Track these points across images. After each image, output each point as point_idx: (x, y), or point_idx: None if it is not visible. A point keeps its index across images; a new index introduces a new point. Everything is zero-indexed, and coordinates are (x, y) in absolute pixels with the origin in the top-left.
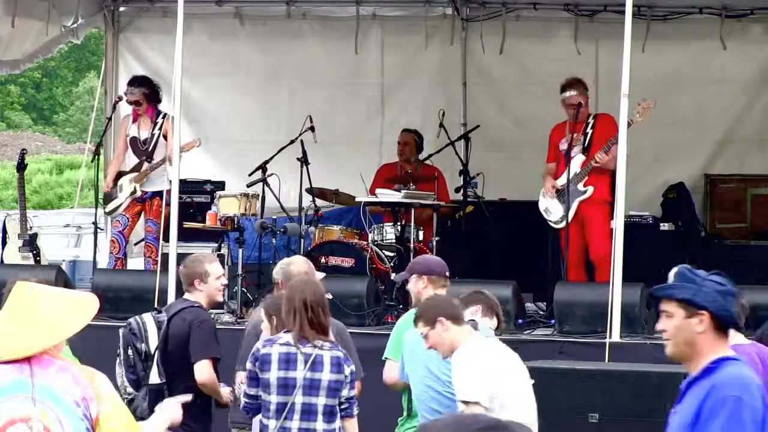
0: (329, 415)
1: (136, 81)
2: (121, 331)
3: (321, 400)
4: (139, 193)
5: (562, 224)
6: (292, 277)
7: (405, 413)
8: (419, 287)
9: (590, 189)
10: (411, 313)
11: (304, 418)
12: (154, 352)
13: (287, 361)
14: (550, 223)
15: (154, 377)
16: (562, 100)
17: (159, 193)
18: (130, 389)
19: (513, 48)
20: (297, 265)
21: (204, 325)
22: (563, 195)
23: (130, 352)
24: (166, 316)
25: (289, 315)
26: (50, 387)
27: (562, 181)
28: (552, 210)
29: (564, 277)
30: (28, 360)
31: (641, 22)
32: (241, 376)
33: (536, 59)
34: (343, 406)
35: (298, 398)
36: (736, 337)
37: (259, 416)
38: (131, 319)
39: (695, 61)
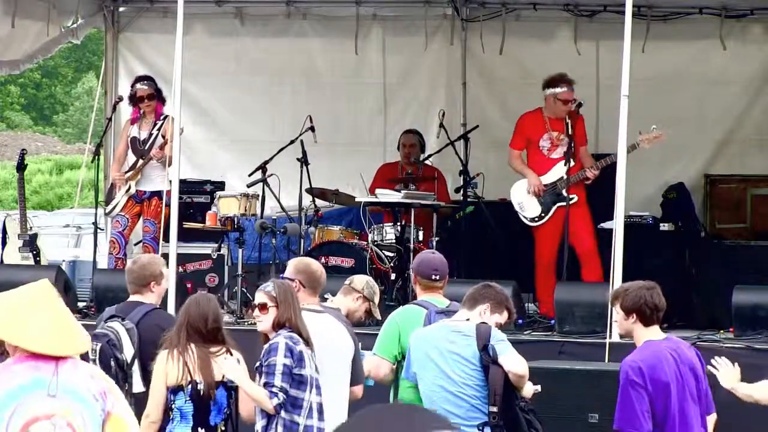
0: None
1: (145, 77)
2: (97, 345)
3: (322, 401)
4: (134, 191)
5: (539, 223)
6: (318, 278)
7: None
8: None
9: (575, 197)
10: (405, 309)
11: (318, 417)
12: (132, 360)
13: (309, 360)
14: (523, 219)
15: (138, 386)
16: (552, 95)
17: (157, 193)
18: None
19: (513, 48)
20: (316, 265)
21: None
22: (545, 194)
23: (112, 363)
24: (130, 323)
25: (296, 316)
26: (70, 383)
27: (549, 179)
28: (527, 207)
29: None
30: (55, 358)
31: (641, 22)
32: None
33: (536, 59)
34: None
35: (315, 397)
36: (649, 331)
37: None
38: (105, 331)
39: (695, 61)
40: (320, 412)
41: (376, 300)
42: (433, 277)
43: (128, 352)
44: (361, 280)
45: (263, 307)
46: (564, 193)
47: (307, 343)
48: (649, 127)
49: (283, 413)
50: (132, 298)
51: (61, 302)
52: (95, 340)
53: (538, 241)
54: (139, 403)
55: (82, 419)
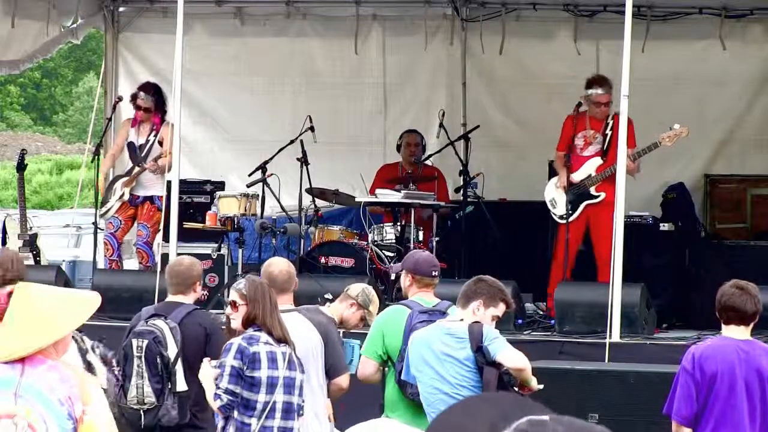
0: (298, 413)
1: (151, 88)
2: (142, 342)
3: (295, 399)
4: (127, 197)
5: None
6: (274, 279)
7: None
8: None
9: (602, 195)
10: (391, 309)
11: (283, 417)
12: (175, 359)
13: (272, 360)
14: (553, 215)
15: (181, 384)
16: (588, 97)
17: (150, 198)
18: (152, 398)
19: (513, 48)
20: (278, 265)
21: (221, 331)
22: (574, 191)
23: (158, 361)
24: (173, 322)
25: (265, 314)
26: (36, 385)
27: (578, 176)
28: (559, 203)
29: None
30: (22, 359)
31: (641, 22)
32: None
33: (536, 59)
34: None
35: (279, 397)
36: (728, 329)
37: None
38: (150, 328)
39: (695, 61)
40: (287, 411)
41: (372, 309)
42: (434, 273)
43: (172, 350)
44: (356, 288)
45: (234, 304)
46: (592, 190)
47: (280, 341)
48: (654, 127)
49: (235, 414)
50: (172, 298)
51: (16, 301)
52: (140, 337)
53: (560, 237)
54: (182, 402)
55: (44, 423)
